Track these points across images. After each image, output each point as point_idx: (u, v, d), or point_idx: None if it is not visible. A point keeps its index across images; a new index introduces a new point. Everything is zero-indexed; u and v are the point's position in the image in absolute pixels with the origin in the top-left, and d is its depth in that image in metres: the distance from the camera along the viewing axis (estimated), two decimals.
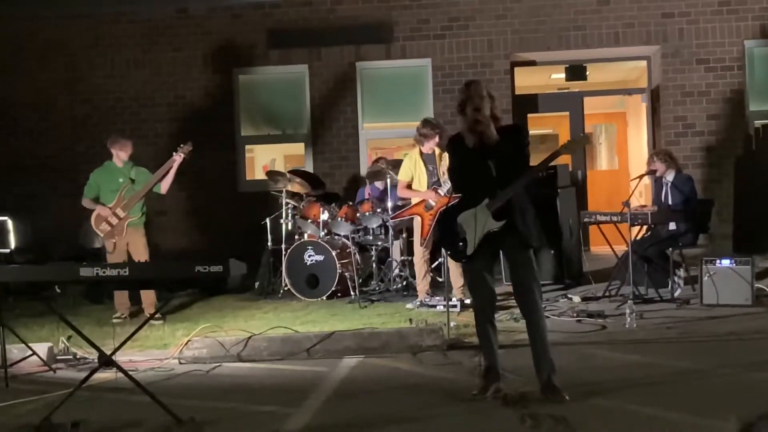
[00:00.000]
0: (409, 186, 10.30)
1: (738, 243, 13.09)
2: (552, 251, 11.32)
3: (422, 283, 10.22)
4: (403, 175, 10.37)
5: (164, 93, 14.32)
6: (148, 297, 10.09)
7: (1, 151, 14.14)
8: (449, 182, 9.77)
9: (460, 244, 6.19)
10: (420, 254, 10.22)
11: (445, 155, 10.24)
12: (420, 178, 10.22)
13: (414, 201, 10.35)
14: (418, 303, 10.08)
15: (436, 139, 10.18)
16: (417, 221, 10.25)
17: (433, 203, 10.00)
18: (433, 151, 10.22)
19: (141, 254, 10.13)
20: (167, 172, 10.29)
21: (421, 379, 6.88)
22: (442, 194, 9.89)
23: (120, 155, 10.33)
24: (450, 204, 6.47)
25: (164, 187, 10.42)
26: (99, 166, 10.47)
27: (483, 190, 6.09)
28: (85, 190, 10.35)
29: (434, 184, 10.06)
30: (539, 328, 6.09)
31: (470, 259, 6.23)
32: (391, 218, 10.99)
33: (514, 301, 8.92)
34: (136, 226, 10.25)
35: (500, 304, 8.35)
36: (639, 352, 7.50)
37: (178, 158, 10.31)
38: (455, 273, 10.03)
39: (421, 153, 10.27)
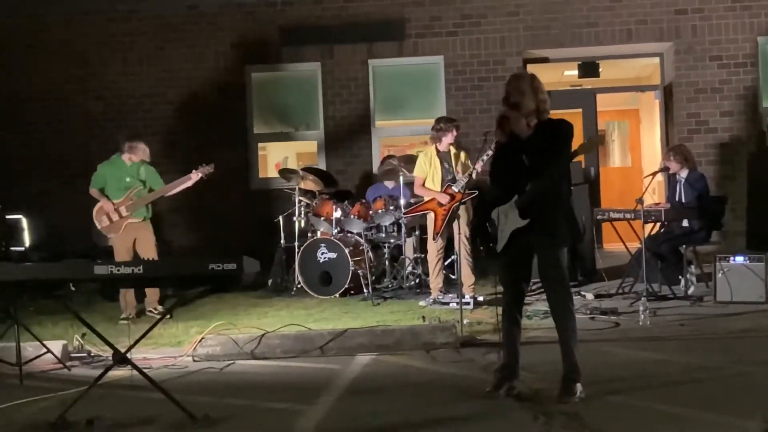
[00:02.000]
0: (424, 183, 10.30)
1: (751, 239, 13.05)
2: (565, 248, 11.30)
3: (436, 280, 10.22)
4: (418, 172, 10.36)
5: (177, 90, 14.32)
6: (152, 294, 10.14)
7: (14, 149, 14.16)
8: (465, 179, 9.80)
9: (491, 242, 6.19)
10: (434, 251, 10.22)
11: (462, 153, 10.26)
12: (434, 175, 10.21)
13: (427, 198, 10.35)
14: (431, 300, 10.08)
15: (454, 132, 10.18)
16: (430, 217, 10.25)
17: (444, 203, 9.98)
18: (449, 149, 10.21)
19: (149, 251, 10.14)
20: (180, 185, 10.38)
21: (435, 377, 6.89)
22: (456, 191, 9.89)
23: (135, 158, 10.36)
24: (489, 197, 6.41)
25: (170, 192, 10.47)
26: (106, 160, 10.51)
27: (515, 185, 6.08)
28: (92, 180, 10.36)
29: (449, 182, 10.05)
30: (561, 325, 6.07)
31: (500, 256, 6.22)
32: (404, 214, 10.99)
33: (527, 298, 8.97)
34: (143, 222, 10.30)
35: None
36: (653, 350, 7.50)
37: (195, 176, 10.40)
38: (467, 270, 10.02)
39: (438, 151, 10.26)
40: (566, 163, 6.21)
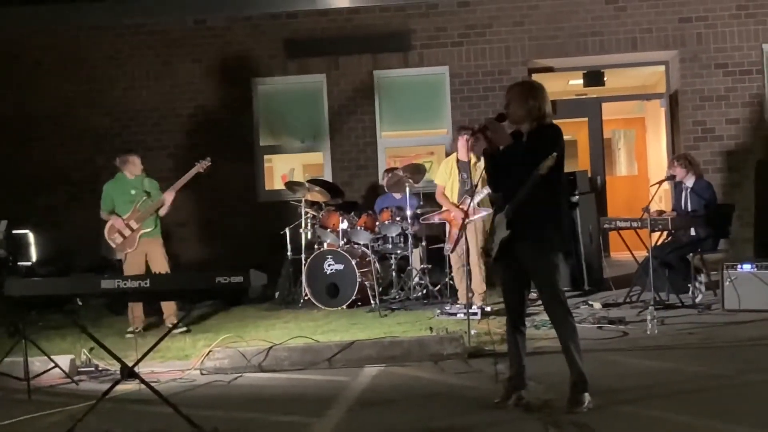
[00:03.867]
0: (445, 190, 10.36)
1: (759, 247, 13.03)
2: (572, 258, 11.28)
3: (460, 288, 10.18)
4: (439, 180, 10.47)
5: (184, 104, 14.36)
6: (168, 308, 10.11)
7: (22, 164, 14.21)
8: (483, 192, 9.80)
9: (492, 246, 6.19)
10: (456, 262, 10.19)
11: (480, 163, 10.07)
12: (453, 184, 10.24)
13: (445, 207, 10.39)
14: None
15: (464, 139, 10.06)
16: (448, 228, 10.29)
17: (457, 219, 9.96)
18: (469, 158, 10.16)
19: (160, 266, 10.14)
20: (179, 185, 10.34)
21: (443, 388, 6.88)
22: (473, 205, 9.85)
23: (132, 170, 10.42)
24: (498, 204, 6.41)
25: (162, 211, 10.41)
26: (111, 179, 10.54)
27: (505, 194, 6.10)
28: (101, 203, 10.43)
29: (466, 193, 10.01)
30: (559, 335, 6.05)
31: (496, 264, 6.23)
32: (422, 219, 10.99)
33: (535, 307, 8.98)
34: (153, 236, 10.30)
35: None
36: (661, 359, 7.47)
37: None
38: (477, 280, 10.02)
39: (458, 159, 10.27)
40: (554, 170, 6.01)
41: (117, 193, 10.39)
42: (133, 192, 10.34)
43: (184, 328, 9.73)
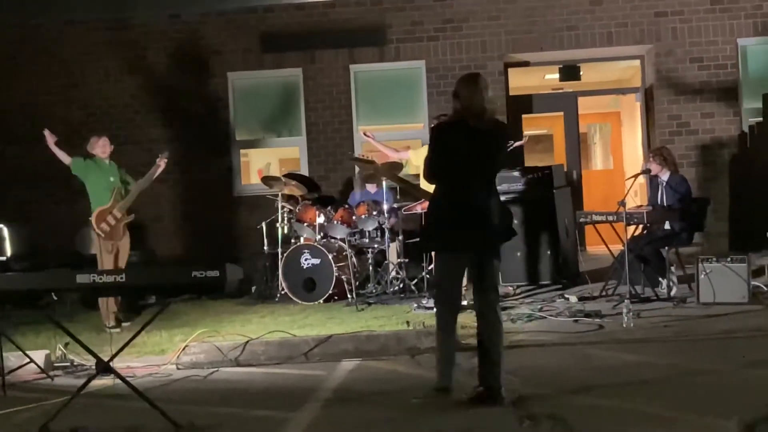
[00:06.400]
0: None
1: (734, 241, 13.10)
2: (549, 251, 11.31)
3: None
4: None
5: (159, 99, 14.29)
6: (108, 307, 9.95)
7: None
8: None
9: None
10: None
11: None
12: None
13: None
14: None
15: None
16: None
17: None
18: None
19: (126, 256, 10.12)
20: (151, 177, 10.31)
21: (420, 382, 6.85)
22: None
23: (105, 150, 10.25)
24: None
25: (145, 185, 10.39)
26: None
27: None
28: (72, 165, 10.22)
29: None
30: (499, 334, 6.15)
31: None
32: (404, 210, 11.00)
33: (511, 301, 8.98)
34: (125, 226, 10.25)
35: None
36: (637, 352, 7.51)
37: (162, 164, 10.33)
38: None
39: None
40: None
41: (96, 175, 10.15)
42: (112, 179, 10.17)
43: (117, 329, 9.64)
